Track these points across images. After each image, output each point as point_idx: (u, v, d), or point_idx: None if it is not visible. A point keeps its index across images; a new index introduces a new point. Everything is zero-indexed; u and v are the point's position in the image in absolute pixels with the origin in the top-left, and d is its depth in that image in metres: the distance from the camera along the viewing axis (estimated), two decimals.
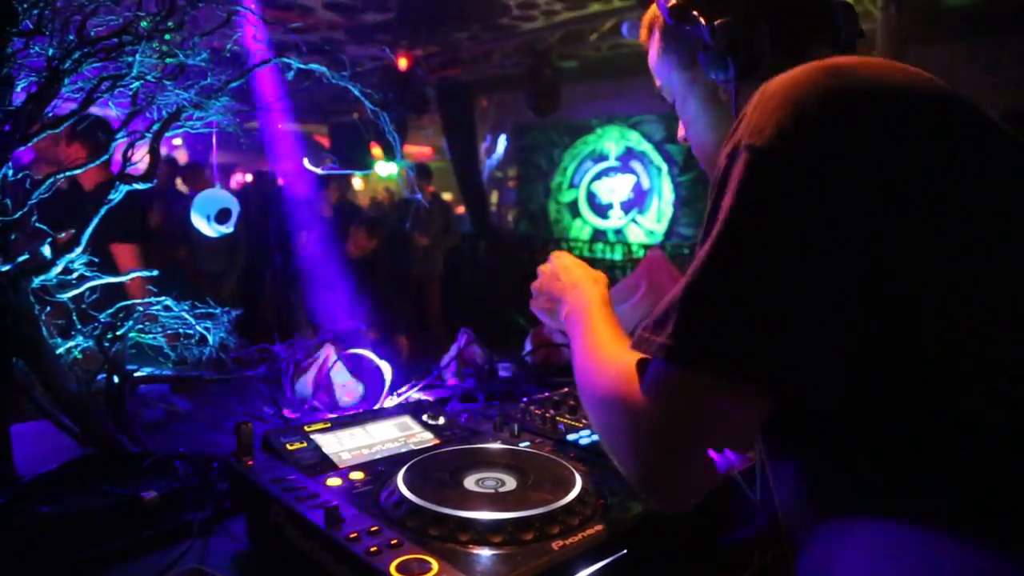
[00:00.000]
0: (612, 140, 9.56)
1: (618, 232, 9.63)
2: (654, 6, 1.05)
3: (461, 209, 10.29)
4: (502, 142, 10.93)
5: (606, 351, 0.94)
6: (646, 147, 9.23)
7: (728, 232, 0.72)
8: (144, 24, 1.33)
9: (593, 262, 9.25)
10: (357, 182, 10.66)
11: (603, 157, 9.70)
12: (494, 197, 11.32)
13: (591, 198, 9.89)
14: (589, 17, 7.14)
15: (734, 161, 0.74)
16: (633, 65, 8.09)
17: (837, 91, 0.74)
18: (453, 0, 6.72)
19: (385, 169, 10.62)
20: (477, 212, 10.34)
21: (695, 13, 0.94)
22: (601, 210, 9.78)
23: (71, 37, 1.29)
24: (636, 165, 9.37)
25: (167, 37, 1.35)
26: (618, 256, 9.35)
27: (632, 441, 0.78)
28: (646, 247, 8.76)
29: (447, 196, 9.85)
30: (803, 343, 0.69)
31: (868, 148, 0.71)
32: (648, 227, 9.29)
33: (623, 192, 9.54)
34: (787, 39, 0.92)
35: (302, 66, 1.49)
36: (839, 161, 0.71)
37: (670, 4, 0.97)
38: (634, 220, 9.43)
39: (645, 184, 9.31)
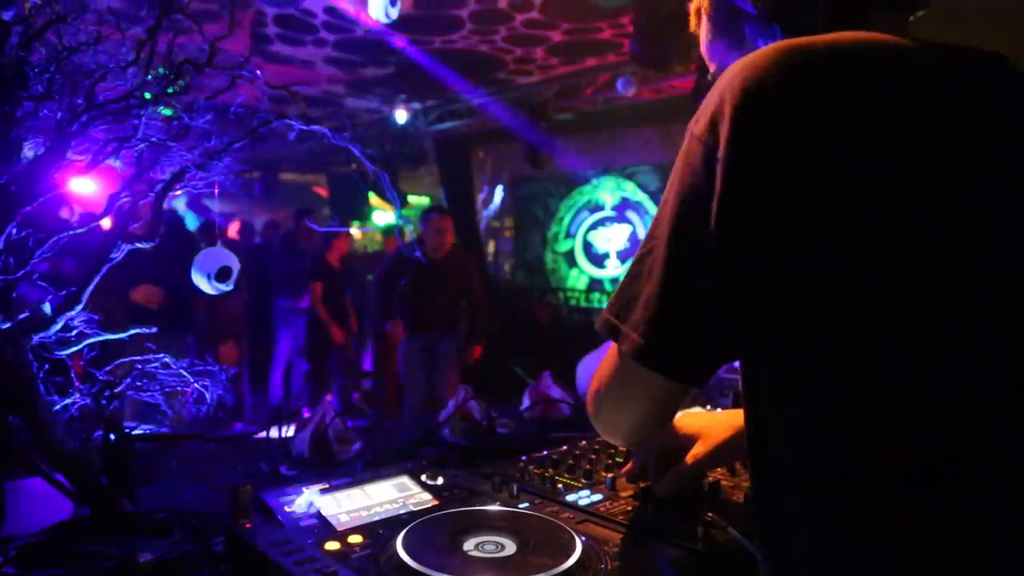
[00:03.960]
0: (608, 191, 9.67)
1: (614, 281, 9.67)
2: None
3: None
4: (499, 193, 11.04)
5: None
6: (642, 197, 9.33)
7: (662, 226, 0.78)
8: (150, 78, 1.36)
9: (589, 312, 9.30)
10: (353, 230, 10.81)
11: (599, 207, 9.80)
12: (491, 247, 11.38)
13: (587, 248, 9.95)
14: (584, 71, 7.29)
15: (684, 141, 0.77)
16: (628, 117, 8.23)
17: (776, 83, 0.70)
18: (451, 55, 6.86)
19: (383, 219, 10.70)
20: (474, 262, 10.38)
21: None
22: (598, 260, 9.84)
23: (79, 100, 1.31)
24: (632, 215, 9.46)
25: (172, 89, 1.38)
26: None
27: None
28: None
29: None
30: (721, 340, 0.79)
31: (801, 152, 0.69)
32: None
33: (619, 242, 9.61)
34: (843, 4, 0.83)
35: (304, 127, 1.51)
36: (761, 163, 0.70)
37: None
38: None
39: (641, 234, 9.38)
